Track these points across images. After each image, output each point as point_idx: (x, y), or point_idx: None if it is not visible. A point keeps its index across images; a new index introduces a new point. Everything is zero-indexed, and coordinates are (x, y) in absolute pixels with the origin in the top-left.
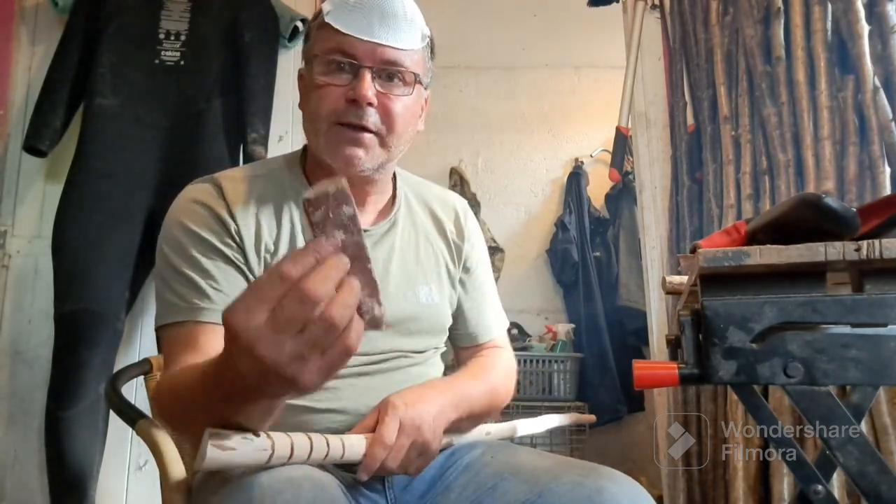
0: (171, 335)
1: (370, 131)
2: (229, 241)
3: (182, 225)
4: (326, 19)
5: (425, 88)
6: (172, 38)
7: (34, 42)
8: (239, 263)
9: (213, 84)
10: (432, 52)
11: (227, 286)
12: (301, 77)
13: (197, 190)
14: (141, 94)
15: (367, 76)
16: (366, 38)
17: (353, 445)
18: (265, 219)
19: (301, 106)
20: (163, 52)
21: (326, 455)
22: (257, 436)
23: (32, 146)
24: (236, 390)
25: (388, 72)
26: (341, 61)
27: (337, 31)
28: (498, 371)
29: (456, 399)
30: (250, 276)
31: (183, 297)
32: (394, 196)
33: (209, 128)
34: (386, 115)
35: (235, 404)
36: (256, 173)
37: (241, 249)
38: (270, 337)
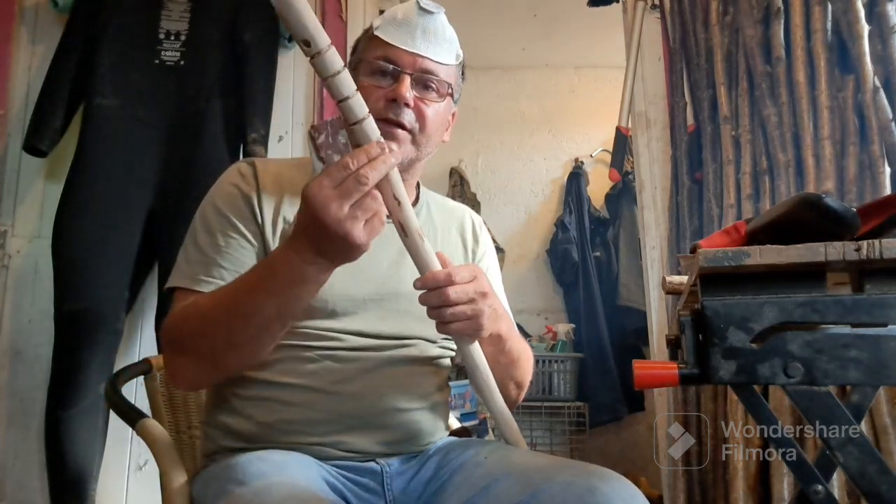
0: (177, 296)
1: (405, 129)
2: (249, 219)
3: (213, 203)
4: (375, 32)
5: (455, 102)
6: (172, 38)
7: (34, 42)
8: (254, 240)
9: (213, 84)
10: (463, 73)
11: (233, 263)
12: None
13: (236, 170)
14: (141, 94)
15: (407, 80)
16: (408, 49)
17: (429, 250)
18: (289, 197)
19: None
20: (163, 52)
21: (398, 211)
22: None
23: (32, 146)
24: (295, 266)
25: (425, 80)
26: (385, 67)
27: (384, 42)
28: (524, 345)
29: (508, 324)
30: (269, 246)
31: (193, 268)
32: (417, 200)
33: (209, 128)
34: (420, 116)
35: (290, 284)
36: (291, 163)
37: (260, 224)
38: (336, 202)
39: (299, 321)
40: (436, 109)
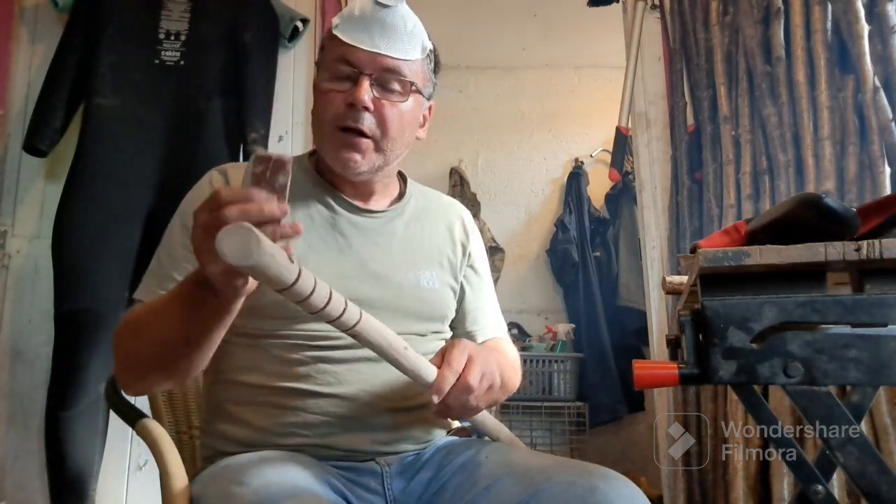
0: (133, 306)
1: (366, 136)
2: None
3: (180, 214)
4: (334, 31)
5: (427, 98)
6: (172, 38)
7: (34, 42)
8: None
9: (213, 84)
10: (436, 65)
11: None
12: (315, 86)
13: (207, 180)
14: (141, 94)
15: (366, 83)
16: (366, 48)
17: (425, 367)
18: None
19: (312, 111)
20: (163, 52)
21: (392, 354)
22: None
23: (32, 146)
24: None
25: (386, 79)
26: (343, 69)
27: (342, 41)
28: (511, 354)
29: (500, 359)
30: None
31: (149, 279)
32: (401, 194)
33: (209, 128)
34: (381, 120)
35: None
36: None
37: None
38: (202, 212)
39: (288, 328)
40: (399, 110)
